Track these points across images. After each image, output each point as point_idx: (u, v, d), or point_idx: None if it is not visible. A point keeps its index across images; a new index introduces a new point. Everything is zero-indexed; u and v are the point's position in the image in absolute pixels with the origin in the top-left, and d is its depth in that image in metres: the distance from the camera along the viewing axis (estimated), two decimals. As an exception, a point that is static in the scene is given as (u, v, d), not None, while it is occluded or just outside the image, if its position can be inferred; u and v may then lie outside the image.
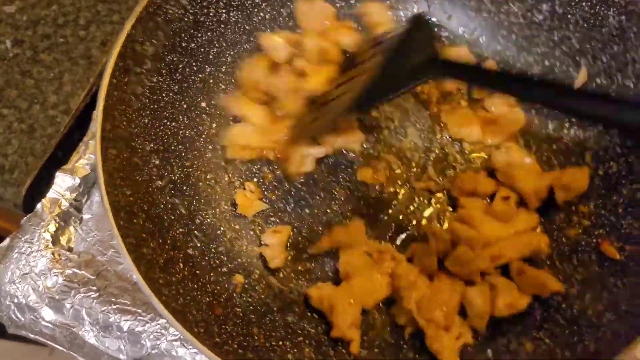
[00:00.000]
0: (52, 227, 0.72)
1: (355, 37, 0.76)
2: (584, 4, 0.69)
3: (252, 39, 0.79)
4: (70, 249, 0.73)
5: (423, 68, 0.61)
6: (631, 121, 0.49)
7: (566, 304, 0.60)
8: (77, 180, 0.75)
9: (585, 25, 0.70)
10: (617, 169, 0.66)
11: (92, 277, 0.71)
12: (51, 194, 0.73)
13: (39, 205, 0.73)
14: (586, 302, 0.59)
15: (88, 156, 0.76)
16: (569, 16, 0.71)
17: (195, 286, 0.61)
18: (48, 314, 0.70)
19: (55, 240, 0.72)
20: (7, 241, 0.72)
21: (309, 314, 0.66)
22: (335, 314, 0.61)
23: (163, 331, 0.68)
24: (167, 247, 0.62)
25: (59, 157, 0.75)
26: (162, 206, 0.65)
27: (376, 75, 0.63)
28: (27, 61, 0.81)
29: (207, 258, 0.66)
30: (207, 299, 0.61)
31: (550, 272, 0.63)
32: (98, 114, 0.58)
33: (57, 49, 0.81)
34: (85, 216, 0.75)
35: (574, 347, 0.54)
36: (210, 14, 0.74)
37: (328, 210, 0.72)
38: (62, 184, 0.74)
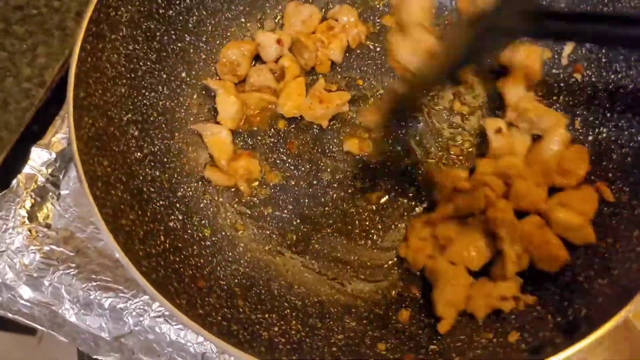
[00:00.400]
0: (28, 204, 0.70)
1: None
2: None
3: (233, 7, 0.76)
4: (47, 226, 0.70)
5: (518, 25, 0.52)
6: None
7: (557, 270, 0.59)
8: (54, 155, 0.72)
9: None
10: (607, 134, 0.65)
11: (72, 254, 0.69)
12: (27, 169, 0.71)
13: (14, 181, 0.70)
14: (577, 269, 0.58)
15: (65, 130, 0.73)
16: (558, -21, 0.69)
17: (177, 259, 0.59)
18: (26, 292, 0.68)
19: (31, 216, 0.70)
20: (-19, 218, 0.70)
21: (296, 286, 0.64)
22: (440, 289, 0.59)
23: (146, 307, 0.66)
24: (147, 219, 0.59)
25: (35, 131, 0.73)
26: (141, 178, 0.63)
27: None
28: (-1, 33, 0.77)
29: (189, 231, 0.64)
30: (190, 271, 0.59)
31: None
32: (70, 80, 0.56)
33: (31, 21, 0.78)
34: (63, 192, 0.72)
35: (564, 311, 0.53)
36: (189, -20, 0.71)
37: (314, 182, 0.70)
38: (38, 159, 0.71)
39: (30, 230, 0.69)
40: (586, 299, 0.53)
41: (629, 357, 0.51)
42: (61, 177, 0.73)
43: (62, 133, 0.73)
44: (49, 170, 0.72)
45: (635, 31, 0.47)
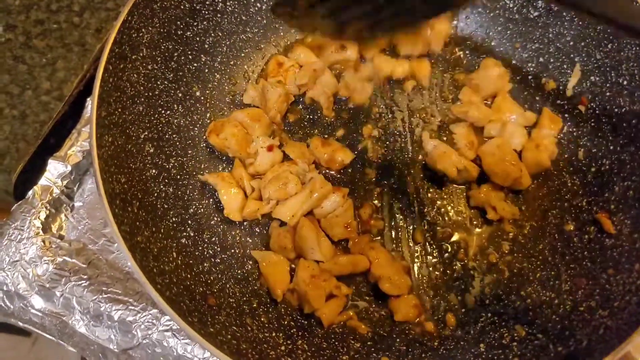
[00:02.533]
0: (42, 215, 0.71)
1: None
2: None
3: (247, 29, 0.78)
4: (61, 237, 0.72)
5: None
6: None
7: (559, 300, 0.61)
8: (69, 168, 0.74)
9: (580, 22, 0.70)
10: (610, 167, 0.66)
11: (83, 266, 0.71)
12: (43, 181, 0.72)
13: (30, 192, 0.72)
14: (578, 299, 0.60)
15: (81, 143, 0.75)
16: (564, 13, 0.71)
17: (189, 275, 0.61)
18: (38, 302, 0.69)
19: (45, 227, 0.72)
20: (-4, 228, 0.71)
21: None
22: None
23: (154, 321, 0.68)
24: (160, 235, 0.61)
25: (52, 143, 0.74)
26: (155, 194, 0.64)
27: None
28: (20, 46, 0.79)
29: (200, 248, 0.65)
30: (201, 288, 0.60)
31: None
32: (94, 101, 0.57)
33: (51, 35, 0.80)
34: (77, 204, 0.74)
35: (566, 341, 0.55)
36: (207, 3, 0.74)
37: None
38: (54, 171, 0.73)
39: (44, 241, 0.71)
40: (587, 330, 0.55)
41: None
42: (75, 189, 0.75)
43: (77, 146, 0.75)
44: (64, 183, 0.73)
45: None
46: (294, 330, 0.62)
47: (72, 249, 0.71)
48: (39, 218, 0.72)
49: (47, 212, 0.72)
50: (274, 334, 0.60)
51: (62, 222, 0.73)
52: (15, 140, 0.74)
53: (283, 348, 0.59)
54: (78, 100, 0.77)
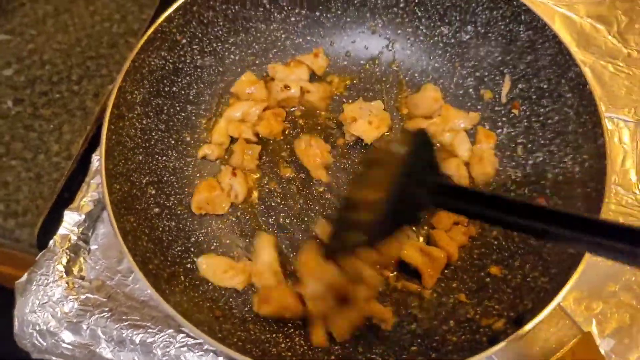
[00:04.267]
0: (64, 260, 0.82)
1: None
2: (499, 23, 0.82)
3: (225, 78, 0.91)
4: (82, 277, 0.82)
5: (427, 199, 0.56)
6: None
7: (511, 275, 0.72)
8: (83, 216, 0.84)
9: (503, 40, 0.83)
10: (543, 158, 0.78)
11: (104, 300, 0.81)
12: (61, 230, 0.83)
13: (51, 242, 0.82)
14: (526, 271, 0.70)
15: (91, 194, 0.86)
16: (490, 34, 0.84)
17: (196, 294, 0.71)
18: (67, 337, 0.79)
19: (68, 270, 0.82)
20: (25, 276, 0.82)
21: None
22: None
23: (171, 339, 0.77)
24: (168, 263, 0.72)
25: (66, 197, 0.85)
26: (160, 229, 0.75)
27: (385, 211, 0.55)
28: (29, 117, 0.91)
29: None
30: (208, 304, 0.71)
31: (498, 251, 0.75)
32: (101, 156, 0.69)
33: (55, 104, 0.92)
34: (93, 247, 0.85)
35: (516, 307, 0.65)
36: (187, 61, 0.86)
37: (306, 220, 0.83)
38: (70, 220, 0.84)
39: (67, 283, 0.81)
40: (532, 295, 0.65)
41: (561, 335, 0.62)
42: (90, 234, 0.85)
43: (88, 197, 0.86)
44: (80, 230, 0.84)
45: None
46: (292, 330, 0.72)
47: (93, 286, 0.82)
48: (61, 263, 0.82)
49: (68, 257, 0.82)
50: (274, 335, 0.70)
51: (82, 265, 0.83)
52: (34, 199, 0.85)
53: (283, 345, 0.69)
54: (84, 157, 0.89)
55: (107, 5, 1.03)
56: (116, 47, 0.98)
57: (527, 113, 0.81)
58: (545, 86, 0.78)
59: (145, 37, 0.78)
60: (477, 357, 0.59)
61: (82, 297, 0.81)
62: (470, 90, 0.88)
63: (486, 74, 0.86)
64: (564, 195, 0.72)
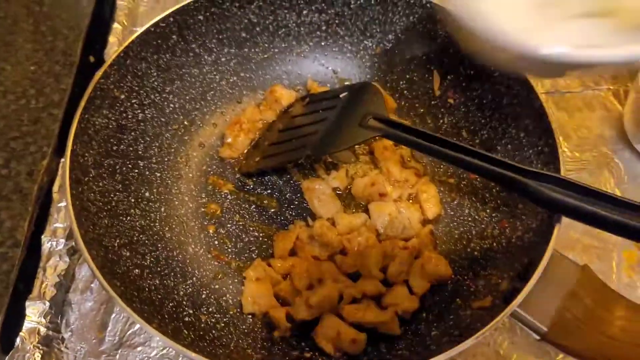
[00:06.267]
0: (37, 356, 0.73)
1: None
2: (418, 26, 0.90)
3: (170, 127, 0.89)
4: (62, 370, 0.73)
5: (372, 126, 0.78)
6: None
7: (495, 242, 0.77)
8: (47, 304, 0.76)
9: (424, 41, 0.91)
10: (488, 134, 0.86)
11: (96, 387, 0.72)
12: (27, 325, 0.74)
13: (18, 340, 0.73)
14: (508, 234, 0.76)
15: (50, 278, 0.78)
16: (410, 38, 0.92)
17: (206, 344, 0.67)
18: None
19: (45, 366, 0.73)
20: (-5, 386, 0.71)
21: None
22: None
23: (182, 407, 0.71)
24: (166, 320, 0.67)
25: (22, 289, 0.76)
26: (147, 289, 0.70)
27: (329, 129, 0.79)
28: (-42, 212, 0.81)
29: (203, 320, 0.72)
30: (220, 350, 0.67)
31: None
32: (72, 223, 0.64)
33: (-15, 193, 0.83)
34: (66, 335, 0.76)
35: (512, 268, 0.70)
36: (129, 117, 0.83)
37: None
38: (35, 312, 0.75)
39: (47, 380, 0.72)
40: (525, 252, 0.70)
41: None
42: (59, 321, 0.77)
43: (47, 281, 0.78)
44: (47, 319, 0.75)
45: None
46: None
47: (77, 376, 0.73)
48: (34, 360, 0.73)
49: (41, 351, 0.73)
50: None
51: (59, 356, 0.74)
52: (-15, 299, 0.75)
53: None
54: (32, 240, 0.81)
55: (19, 82, 0.97)
56: (40, 122, 0.92)
57: (462, 99, 0.89)
58: (471, 72, 0.87)
59: (85, 97, 0.75)
60: (499, 317, 0.61)
61: (69, 391, 0.72)
62: (405, 92, 0.95)
63: (415, 73, 0.94)
64: (519, 160, 0.80)
